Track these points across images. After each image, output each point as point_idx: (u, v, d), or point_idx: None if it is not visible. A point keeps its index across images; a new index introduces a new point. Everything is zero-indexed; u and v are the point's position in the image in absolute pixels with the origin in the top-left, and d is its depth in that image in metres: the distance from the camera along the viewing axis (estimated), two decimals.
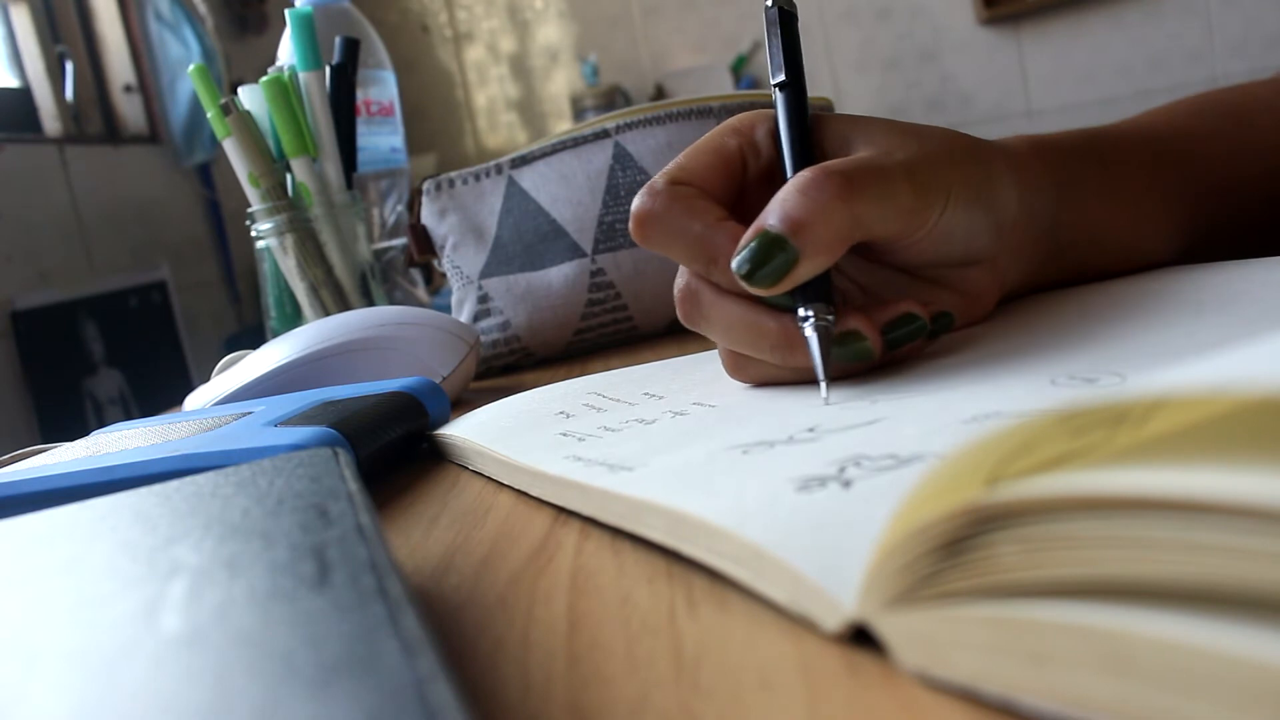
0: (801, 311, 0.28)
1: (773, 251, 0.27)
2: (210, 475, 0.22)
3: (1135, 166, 0.36)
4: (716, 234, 0.29)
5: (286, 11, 0.62)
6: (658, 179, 0.30)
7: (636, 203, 0.30)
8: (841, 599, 0.15)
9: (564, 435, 0.30)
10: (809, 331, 0.28)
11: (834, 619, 0.15)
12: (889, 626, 0.14)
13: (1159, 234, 0.36)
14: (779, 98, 0.31)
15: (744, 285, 0.27)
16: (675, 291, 0.31)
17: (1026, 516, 0.12)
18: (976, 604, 0.12)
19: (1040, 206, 0.32)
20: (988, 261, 0.31)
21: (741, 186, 0.31)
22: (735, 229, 0.28)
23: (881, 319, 0.28)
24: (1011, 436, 0.13)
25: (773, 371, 0.30)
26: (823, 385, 0.27)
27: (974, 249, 0.31)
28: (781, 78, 0.32)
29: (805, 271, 0.27)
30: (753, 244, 0.27)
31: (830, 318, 0.28)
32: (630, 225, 0.30)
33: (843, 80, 2.76)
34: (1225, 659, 0.10)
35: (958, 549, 0.12)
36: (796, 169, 0.30)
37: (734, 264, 0.27)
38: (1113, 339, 0.27)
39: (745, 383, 0.32)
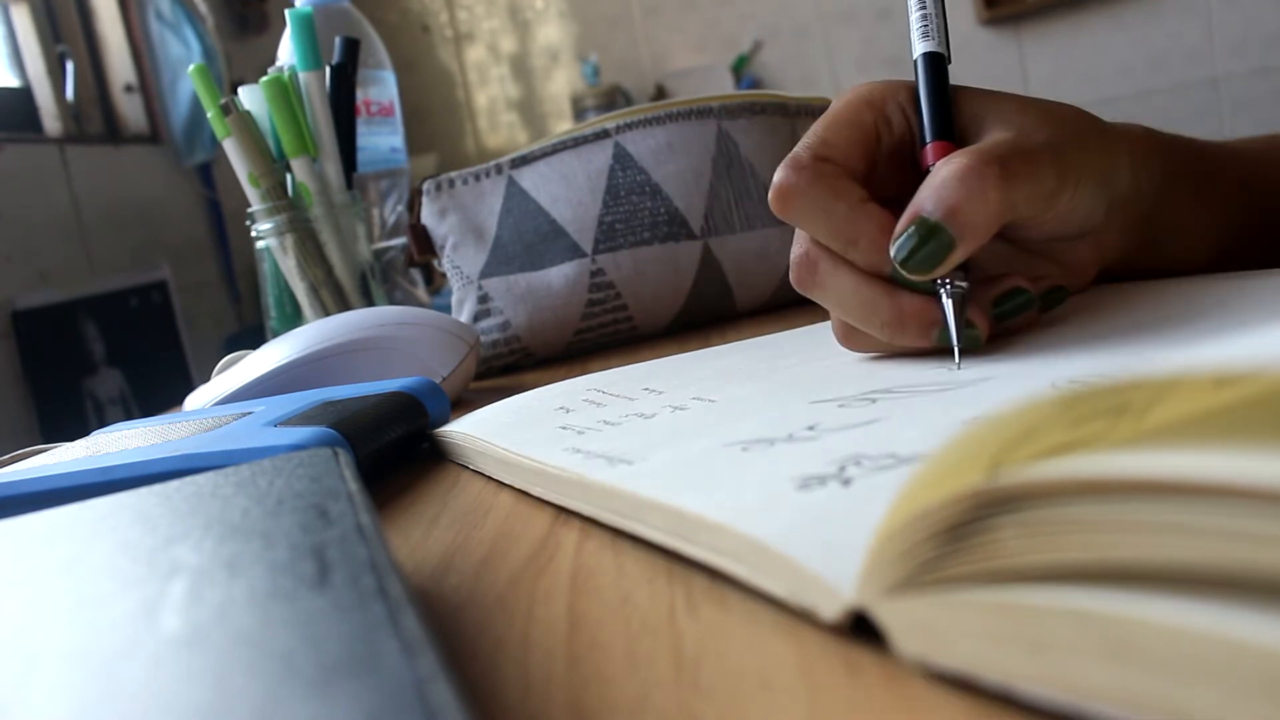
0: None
1: (929, 238, 0.27)
2: (210, 475, 0.22)
3: (1229, 177, 0.37)
4: (859, 216, 0.29)
5: (286, 11, 0.62)
6: (802, 152, 0.30)
7: (780, 175, 0.30)
8: (841, 588, 0.15)
9: (563, 429, 0.30)
10: (944, 299, 0.28)
11: (833, 607, 0.15)
12: (888, 613, 0.14)
13: (1238, 243, 0.37)
14: (924, 68, 0.31)
15: (900, 271, 0.28)
16: (793, 256, 0.31)
17: (1029, 500, 0.12)
18: (977, 590, 0.12)
19: (1148, 190, 0.33)
20: (1092, 235, 0.32)
21: (874, 162, 0.31)
22: (878, 212, 0.29)
23: (991, 294, 0.29)
24: (1012, 424, 0.13)
25: (880, 345, 0.31)
26: (956, 353, 0.28)
27: (1087, 226, 0.31)
28: (932, 47, 0.32)
29: (959, 257, 0.27)
30: (909, 230, 0.27)
31: (964, 285, 0.28)
32: (771, 196, 0.30)
33: (843, 80, 2.76)
34: (1225, 644, 0.10)
35: (959, 534, 0.12)
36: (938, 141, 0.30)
37: (891, 250, 0.28)
38: (1119, 343, 0.27)
39: (852, 351, 0.32)
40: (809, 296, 0.31)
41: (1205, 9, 2.42)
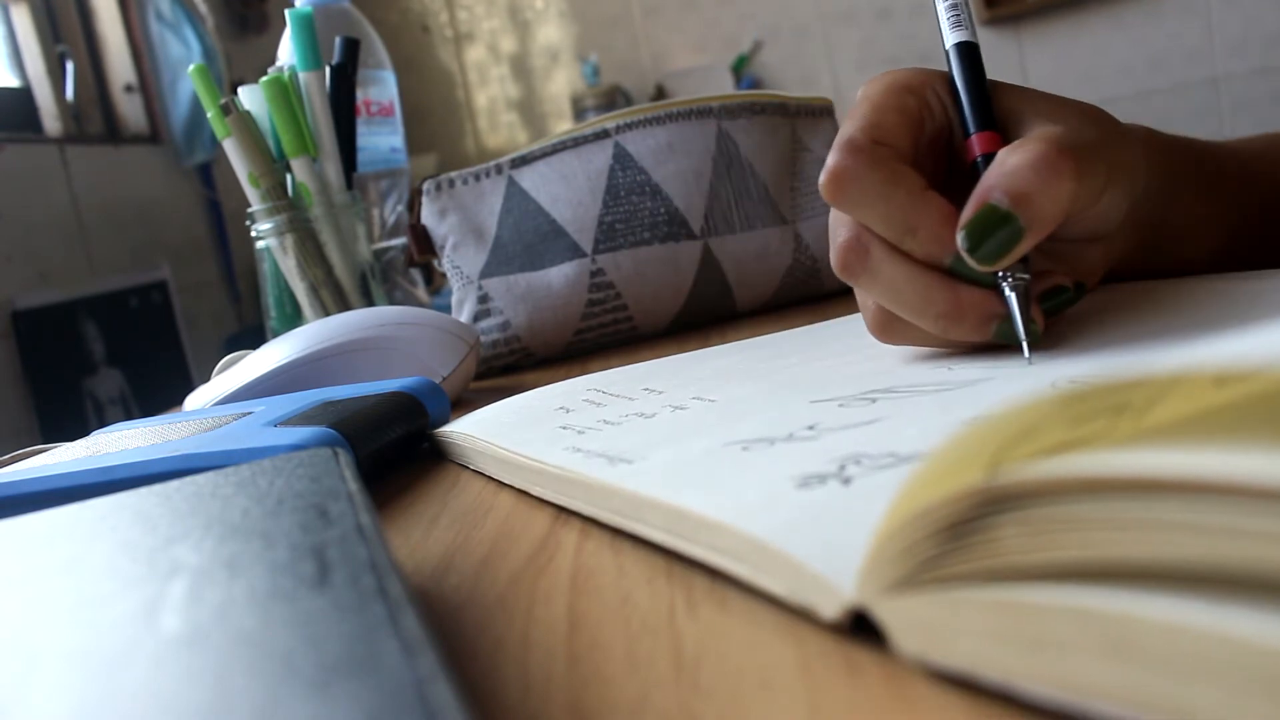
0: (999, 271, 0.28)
1: (999, 226, 0.26)
2: (210, 475, 0.22)
3: (1229, 177, 0.37)
4: (920, 204, 0.28)
5: (286, 11, 0.62)
6: (858, 134, 0.29)
7: (835, 159, 0.28)
8: (841, 586, 0.15)
9: (564, 429, 0.30)
10: (1008, 291, 0.27)
11: (833, 605, 0.15)
12: (888, 612, 0.14)
13: (1238, 243, 0.37)
14: (958, 57, 0.31)
15: (962, 259, 0.27)
16: (839, 241, 0.29)
17: (1030, 499, 0.11)
18: (977, 588, 0.12)
19: (1153, 191, 0.33)
20: (1106, 238, 0.32)
21: (919, 148, 0.30)
22: (938, 201, 0.28)
23: (1037, 290, 0.29)
24: (1012, 423, 0.13)
25: (922, 337, 0.30)
26: (1024, 346, 0.27)
27: (1111, 227, 0.31)
28: (966, 36, 0.31)
29: (1027, 246, 0.27)
30: (977, 218, 0.27)
31: (1027, 276, 0.28)
32: (824, 179, 0.28)
33: (843, 80, 2.76)
34: (1226, 643, 0.10)
35: (960, 532, 0.12)
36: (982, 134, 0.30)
37: (959, 238, 0.27)
38: (1120, 343, 0.27)
39: (889, 344, 0.31)
40: (854, 285, 0.30)
41: (1205, 9, 2.42)
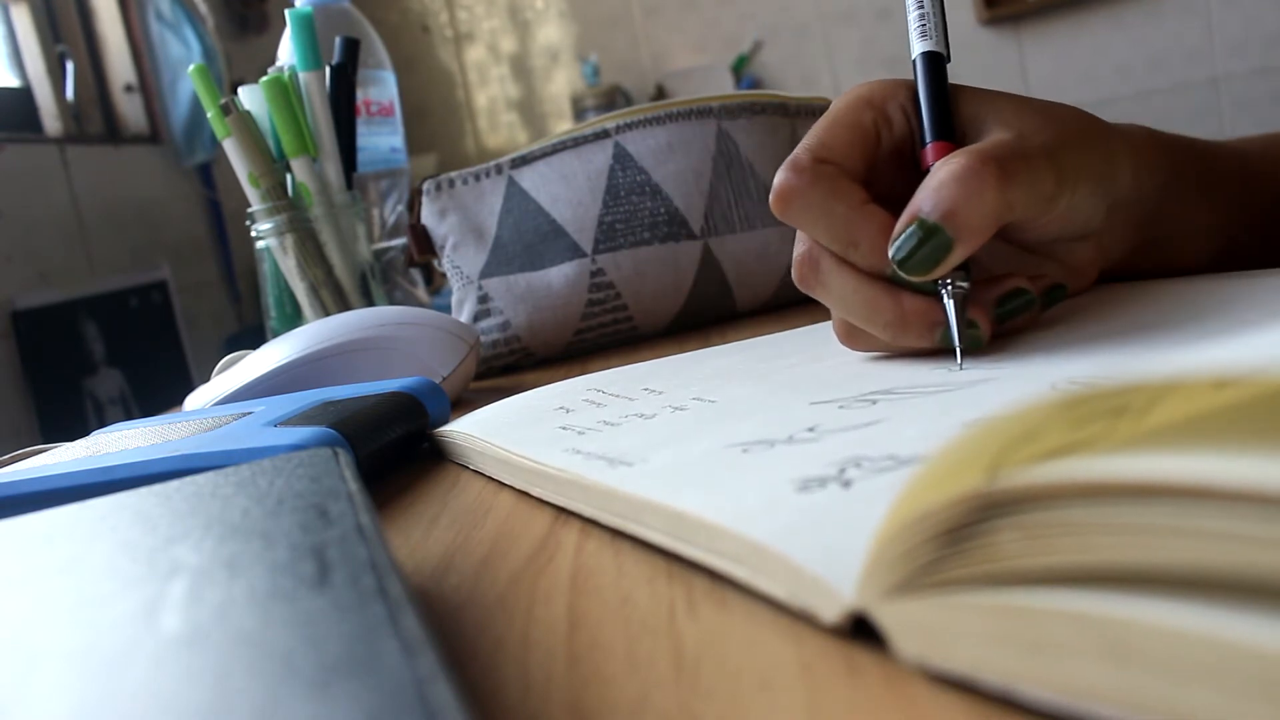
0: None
1: (927, 239, 0.27)
2: (210, 475, 0.22)
3: (1230, 177, 0.37)
4: (860, 217, 0.29)
5: (286, 11, 0.62)
6: (802, 154, 0.30)
7: (780, 177, 0.30)
8: (841, 590, 0.15)
9: (563, 429, 0.30)
10: (946, 299, 0.28)
11: (833, 609, 0.15)
12: (888, 615, 0.14)
13: (1238, 243, 0.37)
14: (922, 67, 0.32)
15: (897, 271, 0.28)
16: (795, 255, 0.31)
17: (1028, 504, 0.12)
18: (977, 592, 0.12)
19: (1150, 191, 0.33)
20: (1094, 236, 0.32)
21: (874, 162, 0.31)
22: (878, 213, 0.29)
23: (993, 294, 0.30)
24: (1013, 425, 0.13)
25: (881, 344, 0.31)
26: (958, 353, 0.28)
27: (1088, 227, 0.32)
28: (930, 46, 0.32)
29: (957, 258, 0.27)
30: (907, 232, 0.27)
31: (965, 285, 0.28)
32: (771, 199, 0.30)
33: (843, 80, 2.76)
34: (1225, 646, 0.10)
35: (959, 536, 0.12)
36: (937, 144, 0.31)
37: (890, 251, 0.28)
38: (1119, 344, 0.27)
39: (854, 350, 0.32)
40: (811, 294, 0.31)
41: (1205, 9, 2.42)
